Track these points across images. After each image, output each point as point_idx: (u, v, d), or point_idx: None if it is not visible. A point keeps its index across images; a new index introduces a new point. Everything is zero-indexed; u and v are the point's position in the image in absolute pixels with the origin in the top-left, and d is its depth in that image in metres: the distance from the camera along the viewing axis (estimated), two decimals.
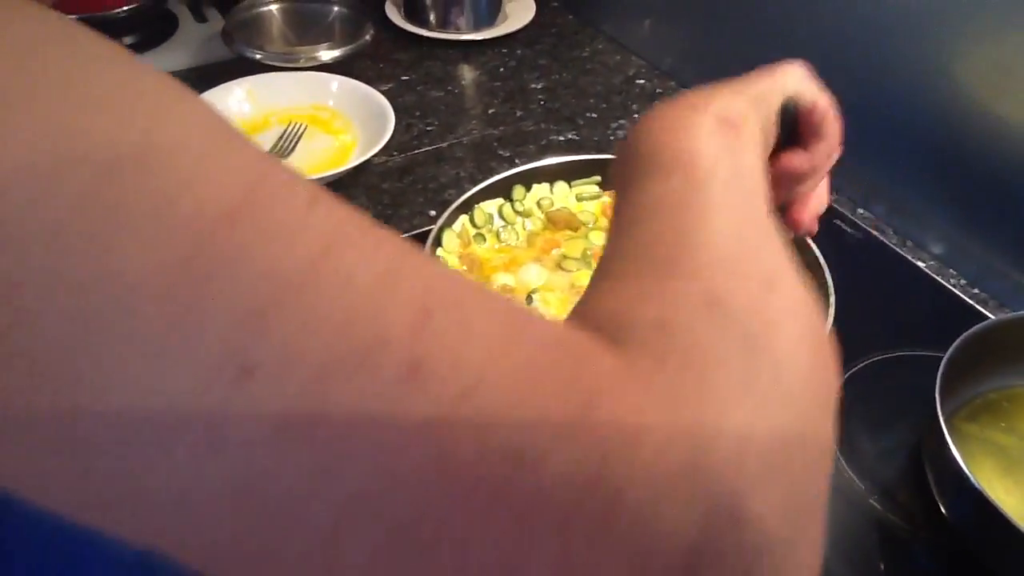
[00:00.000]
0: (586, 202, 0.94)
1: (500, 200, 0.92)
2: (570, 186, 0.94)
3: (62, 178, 0.24)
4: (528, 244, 0.90)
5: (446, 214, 0.87)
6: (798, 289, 0.38)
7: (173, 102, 0.28)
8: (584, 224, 0.91)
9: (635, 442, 0.29)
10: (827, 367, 0.37)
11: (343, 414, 0.26)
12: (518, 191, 0.92)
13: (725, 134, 0.46)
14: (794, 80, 0.57)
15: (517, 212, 0.91)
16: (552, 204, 0.93)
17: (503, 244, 0.90)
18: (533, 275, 0.85)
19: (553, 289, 0.84)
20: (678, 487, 0.29)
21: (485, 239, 0.89)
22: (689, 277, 0.37)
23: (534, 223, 0.91)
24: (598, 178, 0.95)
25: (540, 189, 0.94)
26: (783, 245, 0.40)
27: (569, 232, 0.91)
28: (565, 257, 0.87)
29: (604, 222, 0.92)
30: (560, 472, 0.27)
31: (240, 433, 0.25)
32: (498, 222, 0.91)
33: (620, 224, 0.43)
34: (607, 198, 0.94)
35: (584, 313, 0.38)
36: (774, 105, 0.54)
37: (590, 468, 0.28)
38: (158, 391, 0.25)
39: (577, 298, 0.81)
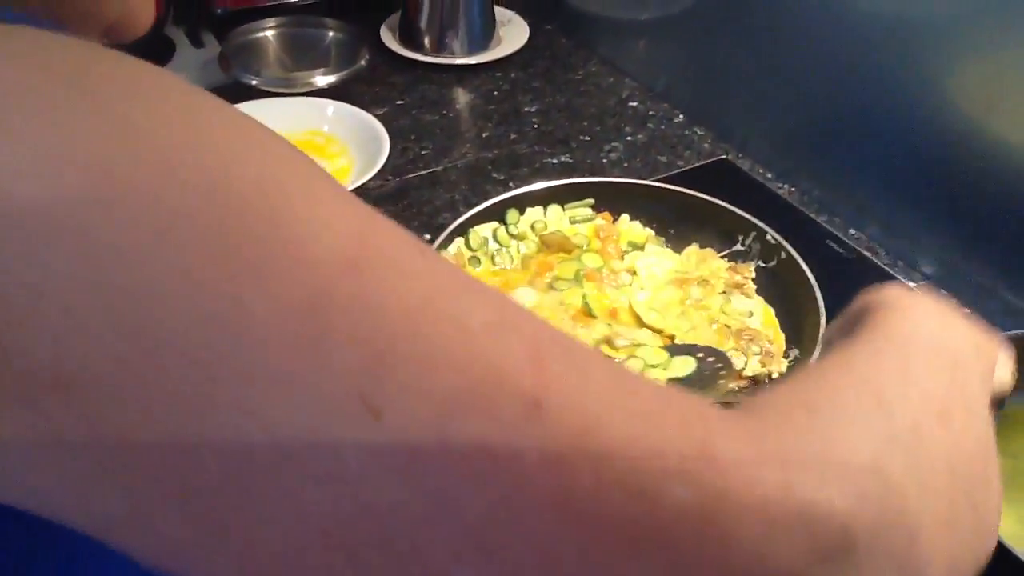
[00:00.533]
0: (579, 224, 0.95)
1: (495, 223, 0.92)
2: (563, 208, 0.95)
3: (191, 214, 0.26)
4: (523, 267, 0.90)
5: (440, 238, 0.88)
6: (971, 435, 0.39)
7: (279, 147, 0.30)
8: (578, 247, 0.92)
9: (750, 480, 0.30)
10: (971, 519, 0.38)
11: (465, 449, 0.27)
12: (512, 214, 0.93)
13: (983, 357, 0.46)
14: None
15: (511, 235, 0.92)
16: (546, 227, 0.93)
17: (498, 267, 0.90)
18: (525, 297, 0.86)
19: (543, 309, 0.85)
20: (791, 527, 0.30)
21: (480, 262, 0.90)
22: (861, 382, 0.37)
23: (528, 246, 0.92)
24: (591, 200, 0.96)
25: (534, 212, 0.94)
26: (983, 408, 0.41)
27: (563, 255, 0.92)
28: (557, 278, 0.88)
29: (597, 244, 0.93)
30: (677, 507, 0.28)
31: (366, 467, 0.26)
32: (493, 245, 0.91)
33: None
34: (600, 220, 0.95)
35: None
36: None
37: (706, 504, 0.29)
38: (285, 424, 0.26)
39: (566, 315, 0.82)
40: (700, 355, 0.80)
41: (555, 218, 0.95)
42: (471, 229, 0.91)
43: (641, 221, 0.96)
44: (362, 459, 0.26)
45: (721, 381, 0.78)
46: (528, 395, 0.28)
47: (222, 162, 0.27)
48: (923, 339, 0.42)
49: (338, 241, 0.28)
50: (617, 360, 0.79)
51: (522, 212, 0.94)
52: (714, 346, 0.81)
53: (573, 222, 0.95)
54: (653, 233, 0.95)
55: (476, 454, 0.27)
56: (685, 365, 0.79)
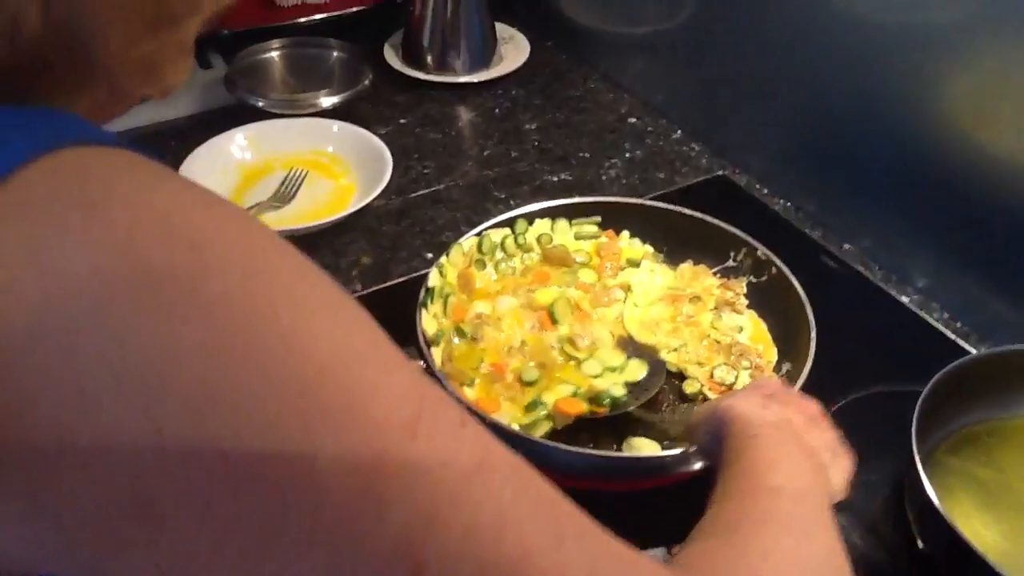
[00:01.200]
0: (584, 240, 0.97)
1: (507, 230, 0.95)
2: (571, 223, 0.97)
3: (281, 374, 0.30)
4: (522, 276, 0.93)
5: (450, 249, 0.91)
6: None
7: (349, 308, 0.34)
8: (578, 264, 0.94)
9: None
10: None
11: None
12: (521, 224, 0.95)
13: (803, 451, 0.58)
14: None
15: (518, 245, 0.94)
16: (551, 240, 0.96)
17: (500, 274, 0.93)
18: (505, 305, 0.89)
19: (513, 311, 0.88)
20: None
21: (485, 265, 0.92)
22: (762, 557, 0.47)
23: (532, 259, 0.94)
24: (598, 219, 0.98)
25: (542, 224, 0.97)
26: (834, 535, 0.51)
27: (563, 269, 0.94)
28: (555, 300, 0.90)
29: (597, 261, 0.95)
30: None
31: None
32: (500, 253, 0.94)
33: (728, 495, 0.54)
34: (604, 238, 0.97)
35: (686, 558, 0.48)
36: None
37: None
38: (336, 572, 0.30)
39: (532, 315, 0.85)
40: (651, 360, 0.84)
41: (561, 232, 0.97)
42: (485, 233, 0.94)
43: (640, 238, 0.98)
44: None
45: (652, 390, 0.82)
46: (547, 569, 0.33)
47: (316, 329, 0.31)
48: (790, 492, 0.53)
49: (399, 403, 0.32)
50: (578, 358, 0.84)
51: (531, 223, 0.96)
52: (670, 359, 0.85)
53: (578, 238, 0.97)
54: (652, 250, 0.97)
55: None
56: (640, 369, 0.82)
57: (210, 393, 0.28)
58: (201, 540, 0.29)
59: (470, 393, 0.80)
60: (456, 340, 0.85)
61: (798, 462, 0.56)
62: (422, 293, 0.85)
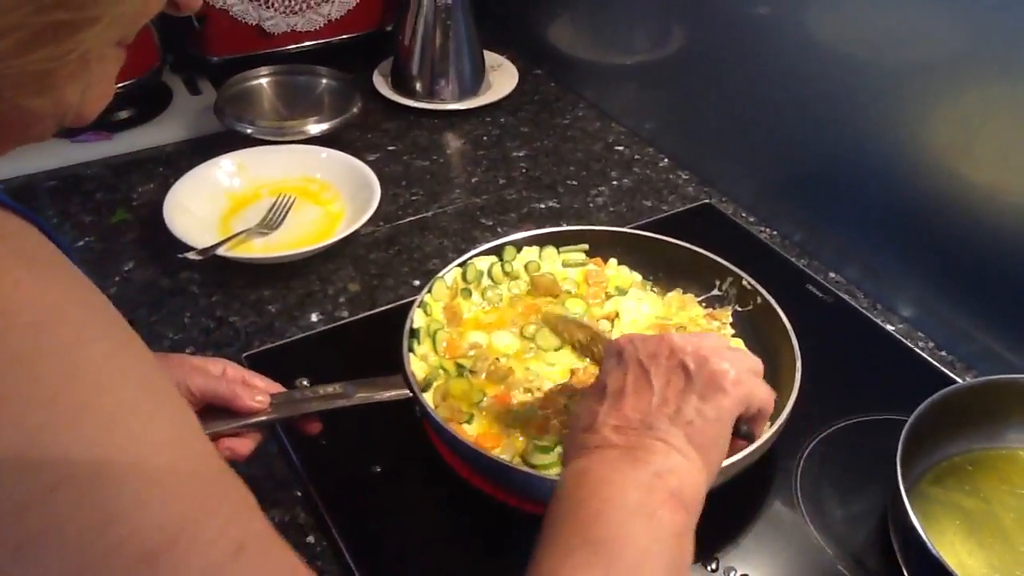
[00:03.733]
0: (571, 268, 0.97)
1: (493, 258, 0.95)
2: (558, 251, 0.98)
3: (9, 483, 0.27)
4: (509, 306, 0.93)
5: (441, 273, 0.91)
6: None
7: (146, 417, 0.31)
8: (565, 292, 0.94)
9: None
10: None
11: None
12: (509, 251, 0.96)
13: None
14: (757, 399, 0.63)
15: (505, 273, 0.94)
16: (539, 268, 0.96)
17: (487, 302, 0.93)
18: (505, 341, 0.88)
19: (522, 357, 0.87)
20: None
21: (471, 294, 0.92)
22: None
23: (519, 286, 0.94)
24: (585, 246, 0.98)
25: (530, 251, 0.97)
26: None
27: (550, 298, 0.94)
28: (542, 326, 0.90)
29: (585, 289, 0.95)
30: None
31: None
32: (487, 281, 0.94)
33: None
34: (592, 266, 0.97)
35: None
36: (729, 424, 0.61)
37: None
38: None
39: (538, 362, 0.83)
40: None
41: (549, 259, 0.97)
42: (470, 261, 0.94)
43: (628, 266, 0.98)
44: None
45: None
46: None
47: (68, 437, 0.29)
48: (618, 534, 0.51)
49: (147, 529, 0.29)
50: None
51: (519, 250, 0.96)
52: None
53: (566, 265, 0.97)
54: (640, 278, 0.97)
55: None
56: None
57: None
58: None
59: (469, 430, 0.79)
60: (454, 375, 0.84)
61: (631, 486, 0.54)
62: (406, 336, 0.83)
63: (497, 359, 0.86)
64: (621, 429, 0.57)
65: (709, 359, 0.60)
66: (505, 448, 0.78)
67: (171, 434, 0.32)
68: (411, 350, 0.84)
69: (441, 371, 0.84)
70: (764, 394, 0.63)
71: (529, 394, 0.83)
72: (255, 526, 0.33)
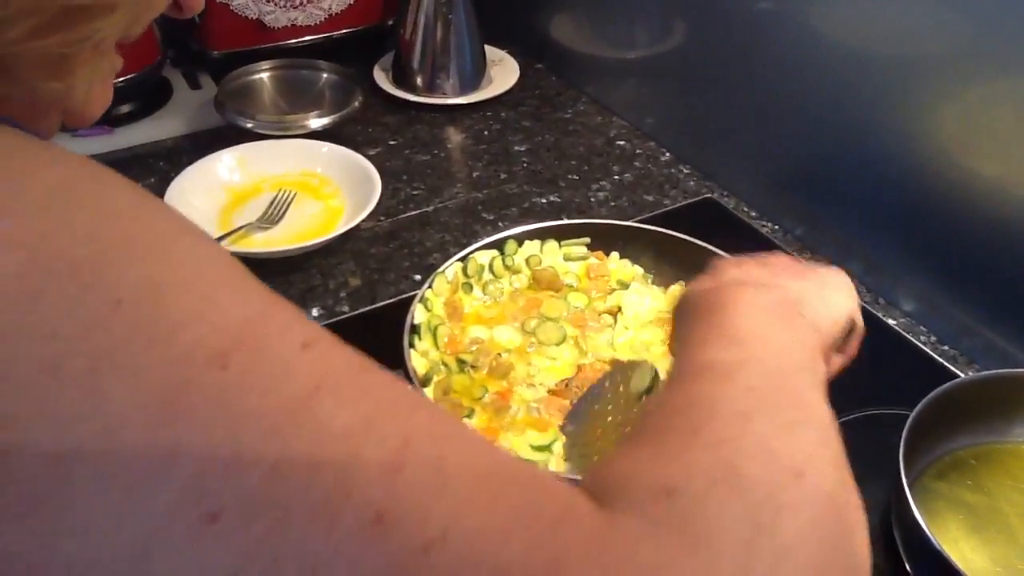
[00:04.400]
0: (572, 263, 0.97)
1: (494, 252, 0.95)
2: (560, 245, 0.97)
3: (68, 309, 0.27)
4: (511, 300, 0.92)
5: (442, 268, 0.91)
6: (828, 481, 0.38)
7: (179, 239, 0.31)
8: (567, 286, 0.94)
9: None
10: (843, 566, 0.36)
11: (301, 561, 0.27)
12: (510, 245, 0.95)
13: (782, 316, 0.49)
14: (854, 309, 0.61)
15: (507, 267, 0.94)
16: (540, 262, 0.95)
17: (488, 297, 0.92)
18: (506, 336, 0.88)
19: (523, 352, 0.87)
20: None
21: (472, 288, 0.92)
22: (712, 447, 0.37)
23: (520, 280, 0.94)
24: (587, 240, 0.98)
25: (531, 245, 0.97)
26: (828, 428, 0.41)
27: (551, 292, 0.93)
28: (544, 318, 0.89)
29: (587, 283, 0.95)
30: None
31: (189, 570, 0.26)
32: (487, 275, 0.94)
33: (669, 384, 0.45)
34: (594, 259, 0.97)
35: (598, 472, 0.38)
36: (839, 323, 0.58)
37: None
38: (121, 531, 0.26)
39: (540, 357, 0.83)
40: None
41: (551, 253, 0.97)
42: (471, 256, 0.94)
43: (630, 259, 0.98)
44: (198, 569, 0.26)
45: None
46: (370, 507, 0.28)
47: (111, 260, 0.29)
48: (757, 364, 0.44)
49: (211, 334, 0.29)
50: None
51: (520, 244, 0.96)
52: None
53: (567, 259, 0.97)
54: (642, 272, 0.97)
55: (312, 568, 0.27)
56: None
57: None
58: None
59: (470, 424, 0.79)
60: (455, 370, 0.84)
61: (775, 330, 0.47)
62: (407, 331, 0.83)
63: (499, 354, 0.86)
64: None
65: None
66: (503, 445, 0.78)
67: (214, 252, 0.32)
68: (412, 346, 0.83)
69: (442, 366, 0.84)
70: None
71: (532, 389, 0.82)
72: (317, 329, 0.32)
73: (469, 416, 0.80)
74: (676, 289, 0.94)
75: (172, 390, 0.27)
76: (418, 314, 0.87)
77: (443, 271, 0.91)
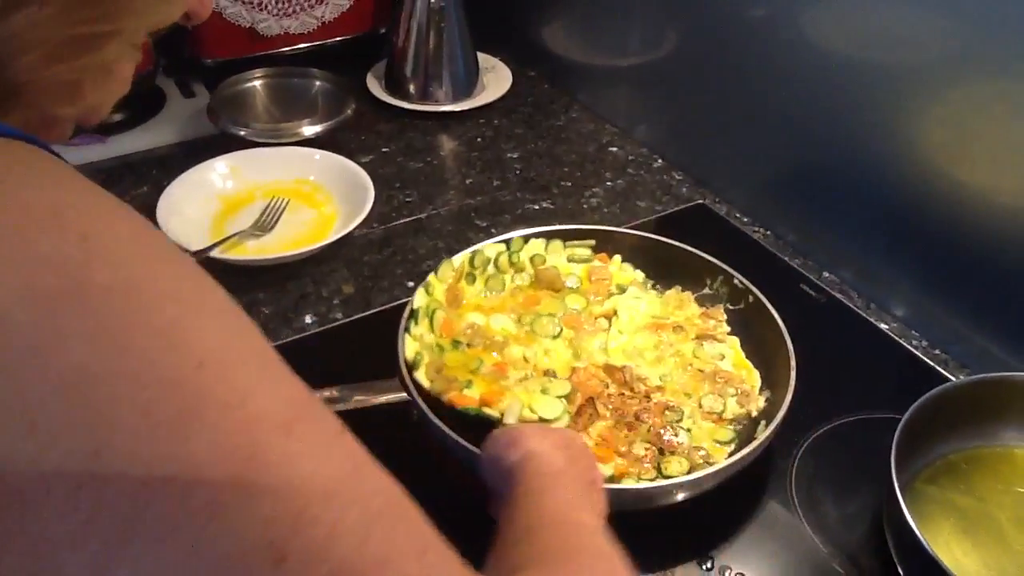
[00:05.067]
0: (575, 264, 0.97)
1: (501, 246, 0.95)
2: (564, 245, 0.98)
3: (159, 363, 0.31)
4: (510, 296, 0.93)
5: (431, 277, 0.91)
6: None
7: (235, 314, 0.36)
8: (568, 288, 0.94)
9: None
10: None
11: None
12: (516, 241, 0.96)
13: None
14: None
15: (511, 263, 0.94)
16: (544, 261, 0.96)
17: (489, 290, 0.93)
18: (501, 324, 0.89)
19: (519, 338, 0.87)
20: None
21: (475, 280, 0.92)
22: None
23: (523, 278, 0.94)
24: (592, 242, 0.98)
25: (537, 243, 0.97)
26: None
27: (551, 292, 0.94)
28: (539, 315, 0.90)
29: (587, 286, 0.95)
30: None
31: None
32: (491, 269, 0.94)
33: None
34: (597, 262, 0.97)
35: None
36: None
37: None
38: (202, 549, 0.30)
39: (535, 344, 0.83)
40: None
41: (555, 253, 0.97)
42: (479, 248, 0.94)
43: (632, 264, 0.98)
44: None
45: None
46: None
47: (189, 325, 0.33)
48: (593, 526, 0.56)
49: (276, 403, 0.33)
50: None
51: (526, 241, 0.97)
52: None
53: (571, 260, 0.97)
54: (643, 276, 0.97)
55: None
56: None
57: (87, 378, 0.29)
58: (70, 522, 0.29)
59: (471, 393, 0.79)
60: (449, 350, 0.84)
61: (594, 501, 0.61)
62: (404, 317, 0.84)
63: (495, 337, 0.86)
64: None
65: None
66: (511, 401, 0.78)
67: (257, 332, 0.36)
68: (407, 330, 0.84)
69: (436, 348, 0.84)
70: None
71: (523, 384, 0.82)
72: (339, 420, 0.37)
73: (468, 387, 0.79)
74: (672, 294, 0.94)
75: (247, 447, 0.31)
76: (418, 298, 0.87)
77: (451, 259, 0.92)
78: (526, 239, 0.97)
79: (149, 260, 0.34)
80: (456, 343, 0.85)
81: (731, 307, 0.91)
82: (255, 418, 0.32)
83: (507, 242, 0.96)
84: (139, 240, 0.34)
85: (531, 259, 0.96)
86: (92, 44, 0.39)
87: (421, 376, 0.80)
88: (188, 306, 0.33)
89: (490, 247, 0.95)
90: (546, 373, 0.84)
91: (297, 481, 0.31)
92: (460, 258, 0.93)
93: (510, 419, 0.77)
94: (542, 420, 0.78)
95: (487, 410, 0.78)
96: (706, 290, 0.94)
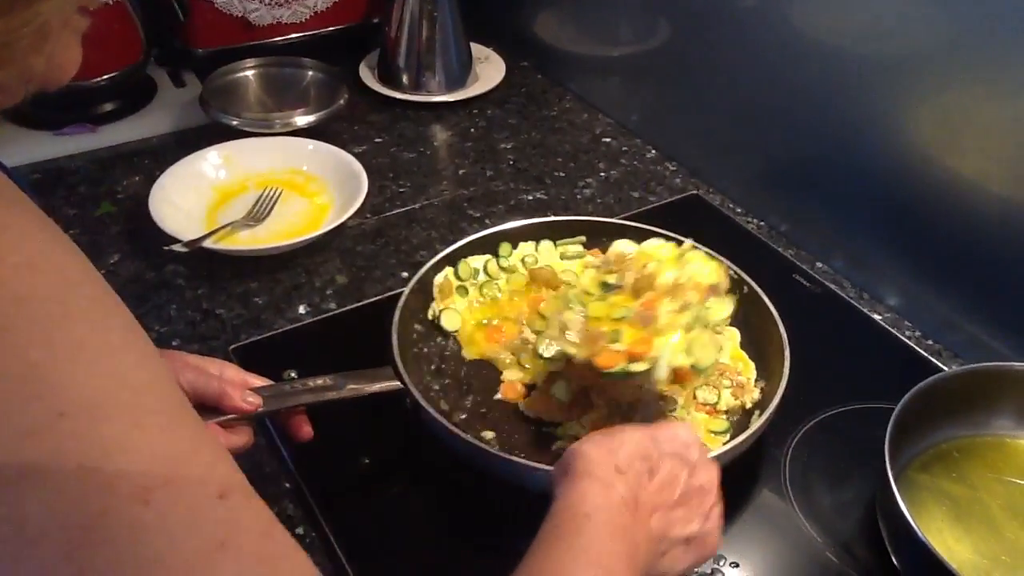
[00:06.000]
0: (569, 261, 0.97)
1: (487, 256, 0.95)
2: (555, 245, 0.97)
3: (12, 408, 0.28)
4: (509, 301, 0.93)
5: (428, 265, 0.91)
6: None
7: (128, 350, 0.32)
8: (565, 283, 0.94)
9: None
10: None
11: None
12: (504, 247, 0.95)
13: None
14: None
15: (502, 268, 0.94)
16: (536, 261, 0.96)
17: (485, 297, 0.92)
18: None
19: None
20: None
21: (467, 291, 0.92)
22: None
23: (516, 280, 0.94)
24: (583, 238, 0.98)
25: (526, 246, 0.97)
26: None
27: (550, 290, 0.93)
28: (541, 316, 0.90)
29: (585, 281, 0.94)
30: None
31: None
32: (482, 277, 0.94)
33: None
34: (590, 257, 0.97)
35: None
36: None
37: None
38: None
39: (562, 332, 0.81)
40: None
41: (546, 253, 0.97)
42: (461, 260, 0.94)
43: None
44: None
45: None
46: None
47: (56, 370, 0.30)
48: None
49: (139, 467, 0.30)
50: None
51: (515, 246, 0.96)
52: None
53: (564, 258, 0.97)
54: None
55: None
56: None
57: None
58: None
59: (619, 347, 0.72)
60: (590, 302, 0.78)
61: (615, 553, 0.53)
62: (398, 310, 0.84)
63: (644, 265, 0.78)
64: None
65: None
66: (659, 350, 0.71)
67: (156, 377, 0.33)
68: (410, 325, 0.86)
69: (584, 296, 0.79)
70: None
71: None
72: (237, 475, 0.33)
73: (616, 340, 0.73)
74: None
75: (91, 517, 0.28)
76: (451, 275, 0.92)
77: (438, 280, 0.92)
78: (514, 244, 0.96)
79: (38, 293, 0.31)
80: (606, 285, 0.78)
81: None
82: (106, 483, 0.28)
83: (494, 250, 0.96)
84: (34, 270, 0.31)
85: (522, 260, 0.96)
86: (23, 3, 0.36)
87: (568, 341, 0.75)
88: (64, 350, 0.30)
89: (475, 259, 0.95)
90: None
91: (141, 559, 0.28)
92: (442, 275, 0.92)
93: (661, 374, 0.71)
94: (694, 368, 0.72)
95: (633, 367, 0.71)
96: None
